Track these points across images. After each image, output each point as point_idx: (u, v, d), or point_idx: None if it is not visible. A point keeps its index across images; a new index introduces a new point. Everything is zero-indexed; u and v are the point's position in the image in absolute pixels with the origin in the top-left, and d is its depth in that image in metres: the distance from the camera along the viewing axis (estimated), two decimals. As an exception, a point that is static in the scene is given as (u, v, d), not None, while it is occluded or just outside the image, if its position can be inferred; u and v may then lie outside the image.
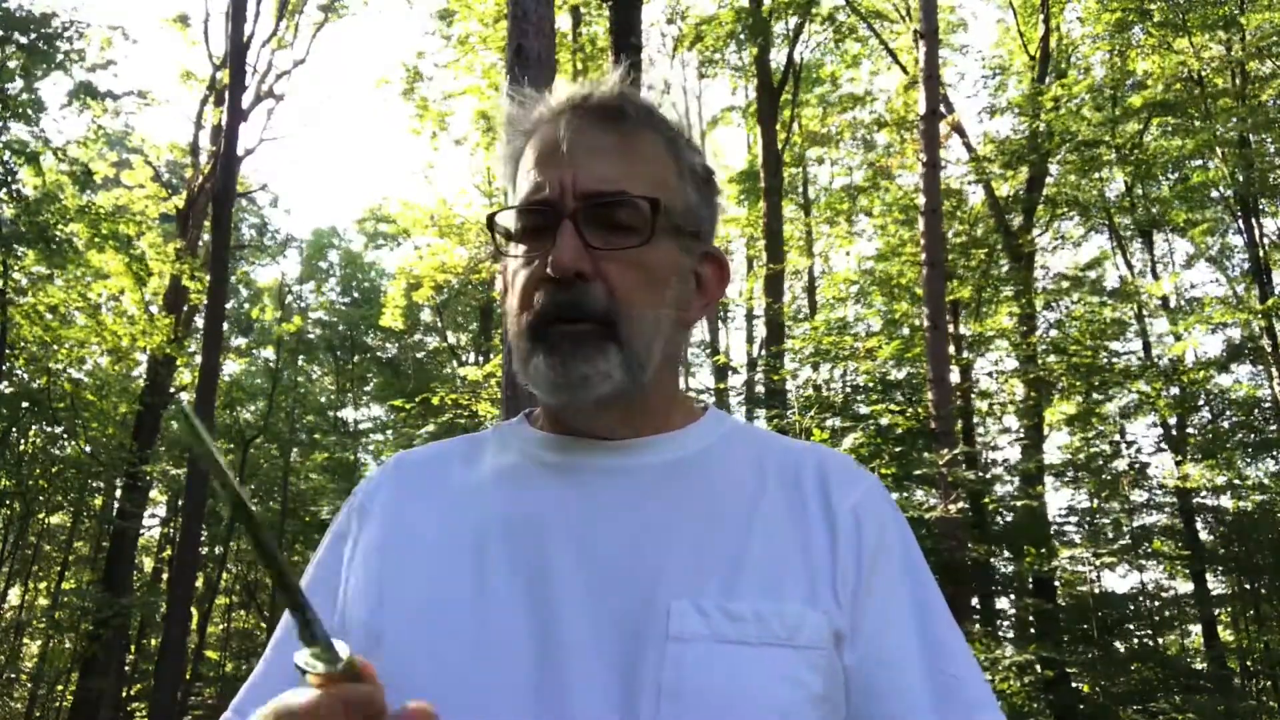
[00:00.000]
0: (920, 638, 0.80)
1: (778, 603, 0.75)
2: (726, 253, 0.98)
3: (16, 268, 12.93)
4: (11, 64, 11.71)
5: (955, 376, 11.17)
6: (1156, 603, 12.78)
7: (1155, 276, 15.54)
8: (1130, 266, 15.70)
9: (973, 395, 13.14)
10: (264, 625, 21.76)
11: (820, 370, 13.29)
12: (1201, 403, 12.99)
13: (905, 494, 9.93)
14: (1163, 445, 13.27)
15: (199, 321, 16.10)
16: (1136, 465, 12.71)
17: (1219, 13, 12.88)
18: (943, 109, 12.24)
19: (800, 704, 0.72)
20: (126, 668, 17.85)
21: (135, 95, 15.58)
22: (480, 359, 20.20)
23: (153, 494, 19.70)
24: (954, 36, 16.36)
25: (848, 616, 0.77)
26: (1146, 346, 14.69)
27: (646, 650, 0.72)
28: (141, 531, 19.28)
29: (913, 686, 0.77)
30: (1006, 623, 11.04)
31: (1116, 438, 13.61)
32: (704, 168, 0.92)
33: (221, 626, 23.01)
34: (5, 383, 13.87)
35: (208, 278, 13.19)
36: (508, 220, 0.89)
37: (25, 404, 14.50)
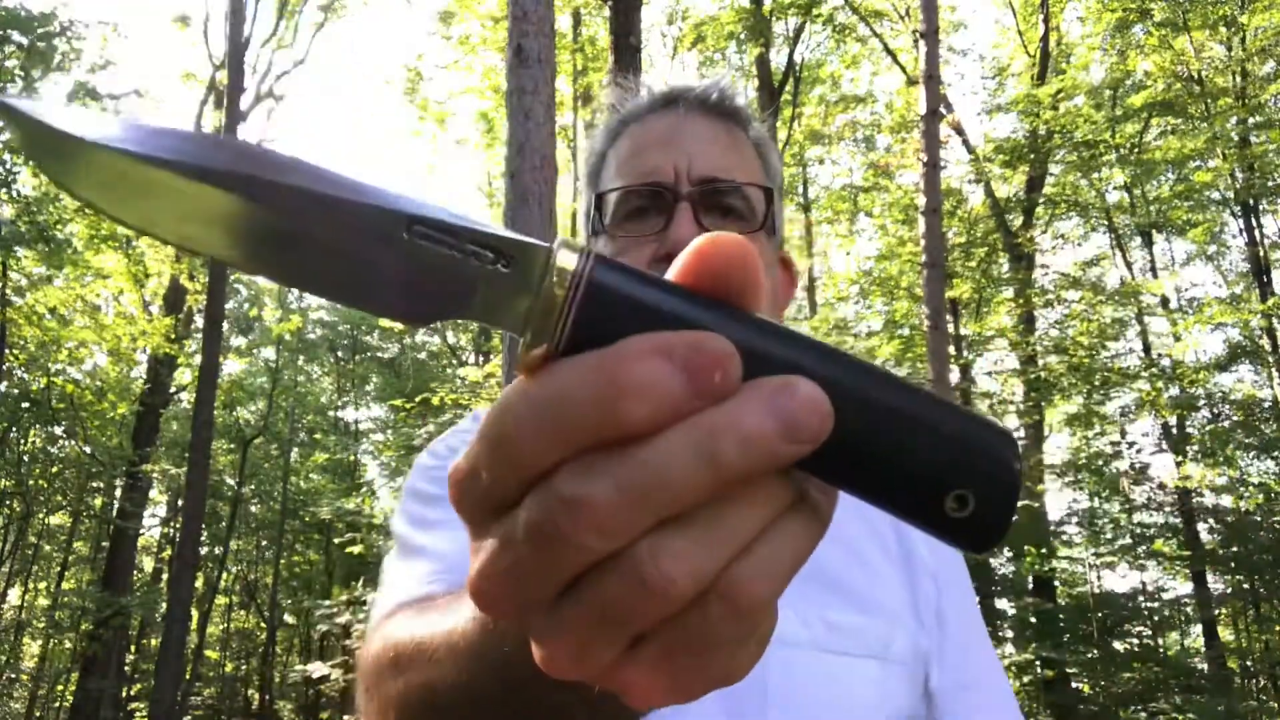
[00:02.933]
0: (990, 661, 0.85)
1: (869, 617, 0.78)
2: None
3: (16, 268, 12.91)
4: (10, 63, 11.71)
5: (955, 376, 11.17)
6: (1156, 603, 12.78)
7: (1155, 276, 15.54)
8: (1130, 266, 15.70)
9: (973, 395, 13.13)
10: (263, 625, 21.75)
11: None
12: (1201, 403, 12.98)
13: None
14: (1163, 445, 13.27)
15: (199, 321, 16.10)
16: (1136, 465, 12.70)
17: (1219, 12, 12.88)
18: (943, 109, 12.23)
19: (891, 716, 0.76)
20: (126, 668, 17.85)
21: (134, 94, 15.61)
22: (480, 359, 20.19)
23: (153, 494, 19.69)
24: (954, 37, 16.37)
25: (931, 638, 0.81)
26: (1146, 347, 14.68)
27: None
28: (141, 531, 19.27)
29: (986, 706, 0.82)
30: (1006, 623, 11.04)
31: (1116, 438, 13.60)
32: (780, 175, 0.95)
33: (221, 626, 23.00)
34: (5, 383, 13.85)
35: (206, 277, 13.19)
36: (608, 201, 0.89)
37: (25, 404, 14.49)
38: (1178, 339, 13.41)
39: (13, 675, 18.10)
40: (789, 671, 0.72)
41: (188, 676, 17.73)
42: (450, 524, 0.78)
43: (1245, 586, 12.42)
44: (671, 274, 0.30)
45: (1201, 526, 12.27)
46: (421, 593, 0.70)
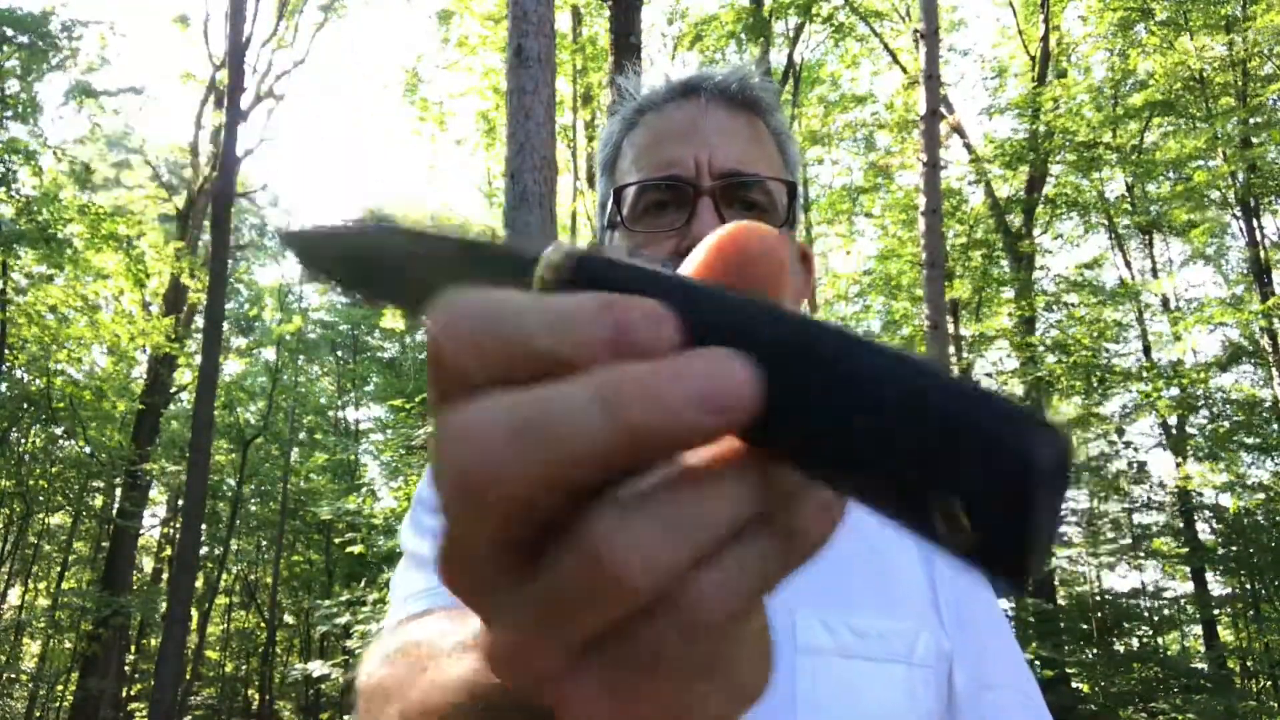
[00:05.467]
0: (1014, 661, 0.84)
1: (893, 621, 0.77)
2: None
3: (16, 268, 12.91)
4: (10, 63, 11.71)
5: (955, 376, 11.15)
6: (1156, 603, 12.78)
7: (1155, 276, 15.53)
8: (1130, 266, 15.70)
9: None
10: (264, 625, 21.76)
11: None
12: (1201, 403, 12.99)
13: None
14: (1163, 445, 13.27)
15: (199, 321, 16.10)
16: (1136, 465, 12.70)
17: (1221, 12, 12.88)
18: (943, 109, 12.24)
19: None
20: (126, 668, 17.85)
21: (131, 92, 15.62)
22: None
23: (153, 494, 19.70)
24: (954, 36, 16.38)
25: (953, 639, 0.80)
26: (1146, 347, 14.68)
27: (778, 661, 0.74)
28: (141, 531, 19.28)
29: (1008, 706, 0.81)
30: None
31: (1116, 438, 13.60)
32: (799, 165, 0.93)
33: (221, 626, 23.01)
34: (5, 383, 13.86)
35: (208, 277, 13.19)
36: (626, 195, 0.86)
37: (25, 404, 14.49)
38: (1178, 339, 13.41)
39: (13, 675, 18.09)
40: (816, 680, 0.71)
41: (188, 676, 17.73)
42: None
43: (1245, 586, 12.42)
44: (687, 269, 0.27)
45: (1201, 526, 12.28)
46: (423, 607, 0.69)
